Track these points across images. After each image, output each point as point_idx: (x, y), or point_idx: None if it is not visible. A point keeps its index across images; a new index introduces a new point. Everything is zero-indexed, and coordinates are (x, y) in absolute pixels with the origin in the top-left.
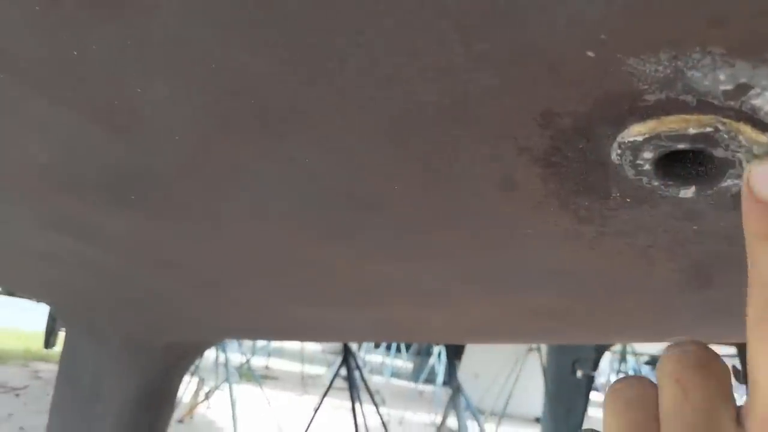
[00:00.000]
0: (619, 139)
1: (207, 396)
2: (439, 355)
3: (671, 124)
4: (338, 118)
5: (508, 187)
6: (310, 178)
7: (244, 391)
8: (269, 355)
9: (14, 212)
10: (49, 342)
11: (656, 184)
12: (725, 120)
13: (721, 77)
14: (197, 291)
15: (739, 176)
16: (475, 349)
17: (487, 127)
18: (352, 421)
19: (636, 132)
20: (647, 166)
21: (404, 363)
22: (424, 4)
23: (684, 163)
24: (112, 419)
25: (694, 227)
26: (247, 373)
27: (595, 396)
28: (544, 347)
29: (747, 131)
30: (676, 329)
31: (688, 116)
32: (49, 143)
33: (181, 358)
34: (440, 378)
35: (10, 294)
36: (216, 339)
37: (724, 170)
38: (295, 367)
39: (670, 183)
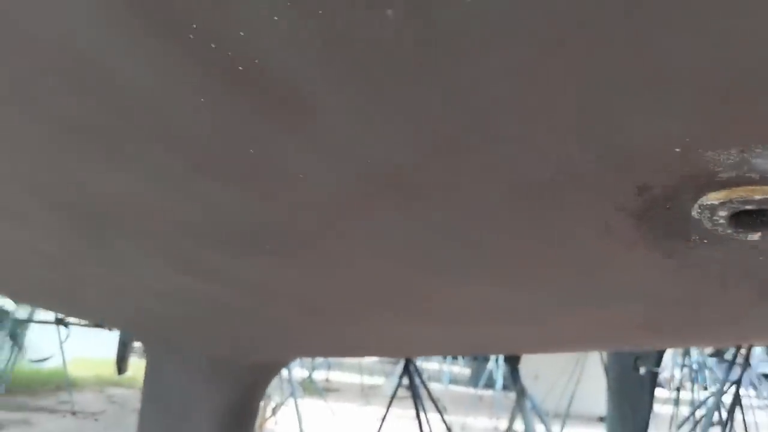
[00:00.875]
0: (699, 202)
1: (274, 411)
2: (497, 360)
3: (741, 192)
4: (470, 188)
5: (606, 233)
6: (435, 228)
7: (308, 404)
8: (329, 368)
9: (149, 260)
10: (121, 368)
11: (729, 231)
12: None
13: None
14: (302, 317)
15: None
16: None
17: (594, 195)
18: (417, 429)
19: (713, 198)
20: (722, 221)
21: (461, 369)
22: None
23: (752, 214)
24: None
25: (761, 258)
26: (309, 387)
27: (659, 392)
28: None
29: None
30: (743, 335)
31: (754, 187)
32: (204, 209)
33: (263, 376)
34: (499, 382)
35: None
36: (297, 356)
37: None
38: (354, 378)
39: (741, 230)
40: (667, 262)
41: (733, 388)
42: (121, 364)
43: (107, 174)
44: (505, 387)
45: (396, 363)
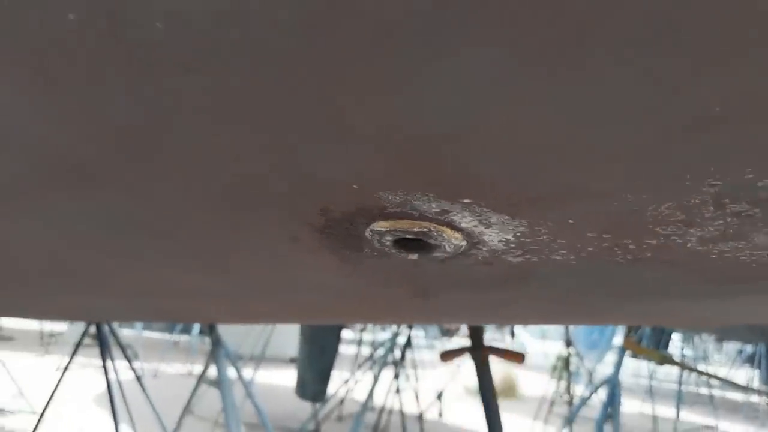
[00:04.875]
0: (370, 227)
1: None
2: None
3: (403, 224)
4: (180, 187)
5: (294, 241)
6: (120, 216)
7: None
8: None
9: None
10: None
11: (393, 251)
12: (435, 225)
13: (433, 206)
14: None
15: (444, 251)
16: None
17: (285, 211)
18: (104, 378)
19: (381, 226)
20: (387, 243)
21: None
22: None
23: (411, 240)
24: None
25: (417, 269)
26: None
27: (346, 334)
28: None
29: (447, 231)
30: (401, 318)
31: (413, 221)
32: None
33: None
34: (196, 328)
35: None
36: None
37: (435, 248)
38: (33, 325)
39: (402, 251)
40: (344, 265)
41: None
42: None
43: None
44: (201, 332)
45: None
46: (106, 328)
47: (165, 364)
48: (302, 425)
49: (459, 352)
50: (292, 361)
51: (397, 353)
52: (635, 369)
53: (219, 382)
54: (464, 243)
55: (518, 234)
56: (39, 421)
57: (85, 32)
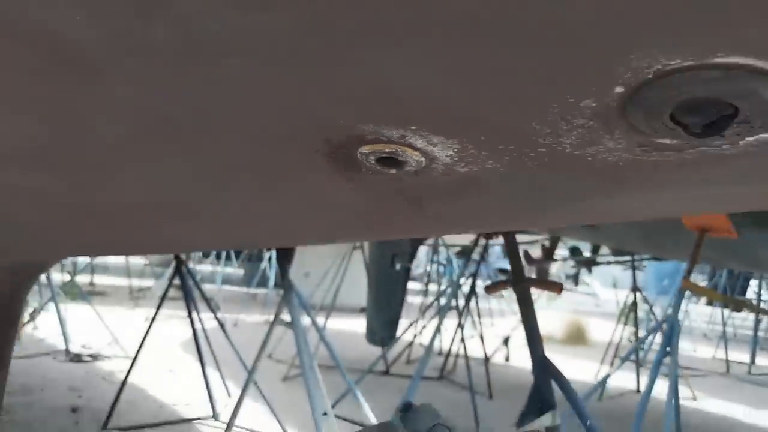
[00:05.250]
0: (359, 150)
1: (32, 317)
2: (270, 259)
3: (378, 146)
4: (222, 137)
5: (311, 166)
6: (192, 160)
7: (72, 309)
8: (93, 271)
9: None
10: None
11: (378, 167)
12: (399, 147)
13: (394, 133)
14: (73, 219)
15: (412, 165)
16: (306, 251)
17: (303, 144)
18: (190, 327)
19: (364, 149)
20: (372, 161)
21: (235, 270)
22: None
23: (388, 159)
24: None
25: (402, 183)
26: (72, 291)
27: (412, 285)
28: (366, 245)
29: (409, 150)
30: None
31: (384, 144)
32: None
33: (25, 278)
34: (272, 281)
35: None
36: (63, 257)
37: (405, 164)
38: (122, 281)
39: (384, 167)
40: (350, 183)
41: (471, 281)
42: None
43: None
44: (276, 285)
45: (166, 266)
46: (190, 281)
47: (244, 315)
48: (372, 366)
49: (502, 284)
50: (362, 310)
51: (462, 301)
52: (711, 316)
53: (292, 324)
54: (423, 159)
55: (456, 149)
56: (132, 364)
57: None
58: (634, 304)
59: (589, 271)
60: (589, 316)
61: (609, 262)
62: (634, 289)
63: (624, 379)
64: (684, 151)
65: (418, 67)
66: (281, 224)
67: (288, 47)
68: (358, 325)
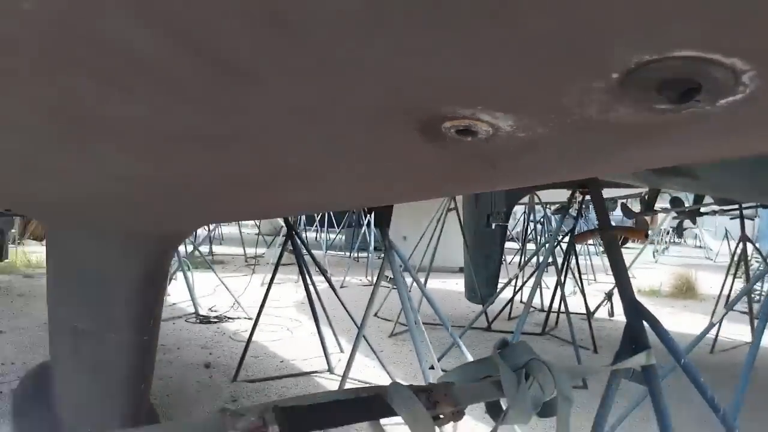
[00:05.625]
0: (443, 125)
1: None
2: (369, 224)
3: (458, 122)
4: (342, 114)
5: (406, 137)
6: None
7: (197, 276)
8: (211, 242)
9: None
10: (1, 255)
11: (456, 137)
12: (472, 120)
13: (467, 111)
14: (216, 190)
15: (484, 134)
16: (402, 215)
17: (406, 121)
18: (300, 290)
19: (447, 123)
20: (453, 132)
21: (337, 237)
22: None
23: (465, 130)
24: (121, 301)
25: (475, 147)
26: (195, 261)
27: (509, 244)
28: (461, 207)
29: (479, 123)
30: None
31: (461, 119)
32: None
33: (172, 243)
34: (372, 245)
35: None
36: (203, 224)
37: (477, 133)
38: (237, 251)
39: (460, 136)
40: (435, 150)
41: (570, 237)
42: (1, 251)
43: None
44: (376, 249)
45: (275, 235)
46: (301, 247)
47: (349, 277)
48: (474, 321)
49: (589, 233)
50: (460, 270)
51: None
52: None
53: (395, 280)
54: (490, 129)
55: (513, 121)
56: (255, 324)
57: None
58: (744, 254)
59: (693, 222)
60: (700, 270)
61: (714, 212)
62: (743, 239)
63: (739, 332)
64: (680, 112)
65: (482, 67)
66: (383, 185)
67: (394, 60)
68: (456, 285)
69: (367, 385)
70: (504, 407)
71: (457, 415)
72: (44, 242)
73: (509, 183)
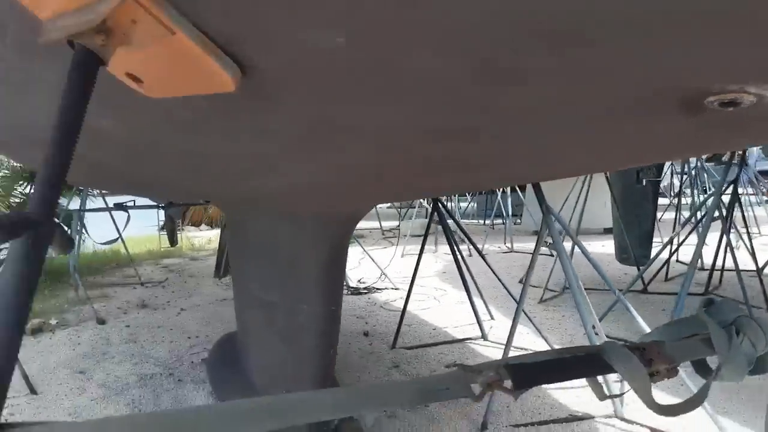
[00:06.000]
0: (707, 99)
1: None
2: (503, 192)
3: (724, 95)
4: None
5: (658, 108)
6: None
7: None
8: None
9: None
10: (173, 241)
11: (717, 108)
12: (739, 94)
13: (734, 86)
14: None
15: (746, 103)
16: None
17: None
18: (441, 259)
19: (712, 98)
20: (715, 105)
21: (470, 205)
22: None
23: (729, 102)
24: (312, 276)
25: (735, 115)
26: None
27: (661, 200)
28: None
29: (744, 95)
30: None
31: (730, 93)
32: None
33: (351, 223)
34: (508, 212)
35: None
36: (374, 205)
37: (740, 103)
38: (374, 225)
39: (721, 107)
40: (690, 120)
41: (731, 189)
42: (173, 237)
43: None
44: (513, 214)
45: (406, 207)
46: (447, 218)
47: (488, 244)
48: (632, 284)
49: None
50: (606, 231)
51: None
52: None
53: (554, 245)
54: (755, 99)
55: None
56: (408, 294)
57: None
58: None
59: None
60: None
61: None
62: None
63: None
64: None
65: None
66: (620, 153)
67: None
68: (602, 247)
69: (580, 346)
70: (713, 366)
71: (672, 372)
72: (201, 228)
73: (744, 143)
